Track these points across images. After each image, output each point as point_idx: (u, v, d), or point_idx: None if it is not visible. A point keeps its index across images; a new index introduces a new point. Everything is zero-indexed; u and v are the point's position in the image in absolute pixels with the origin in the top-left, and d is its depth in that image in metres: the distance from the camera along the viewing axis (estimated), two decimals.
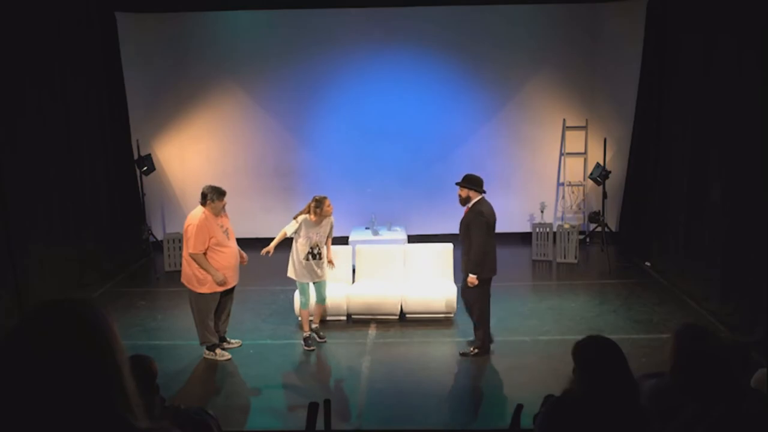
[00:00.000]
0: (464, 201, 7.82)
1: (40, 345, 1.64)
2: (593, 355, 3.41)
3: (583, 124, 13.39)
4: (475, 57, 13.19)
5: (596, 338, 3.53)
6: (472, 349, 8.06)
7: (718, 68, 9.15)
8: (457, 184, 7.88)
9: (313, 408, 4.28)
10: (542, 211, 12.58)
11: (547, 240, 12.39)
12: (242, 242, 13.37)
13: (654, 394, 3.51)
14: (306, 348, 8.34)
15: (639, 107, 12.13)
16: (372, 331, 8.89)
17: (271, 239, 13.41)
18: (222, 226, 7.95)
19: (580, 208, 13.64)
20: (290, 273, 8.49)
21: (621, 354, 3.41)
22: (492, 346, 8.19)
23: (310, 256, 8.33)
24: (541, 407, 3.98)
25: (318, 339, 8.58)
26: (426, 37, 13.09)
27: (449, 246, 9.74)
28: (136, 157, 12.60)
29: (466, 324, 8.92)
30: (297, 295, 8.74)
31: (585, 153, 13.47)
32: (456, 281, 9.53)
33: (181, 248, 12.05)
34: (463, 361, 7.95)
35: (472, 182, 7.80)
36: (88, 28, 11.60)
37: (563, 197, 13.61)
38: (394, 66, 13.20)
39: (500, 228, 13.36)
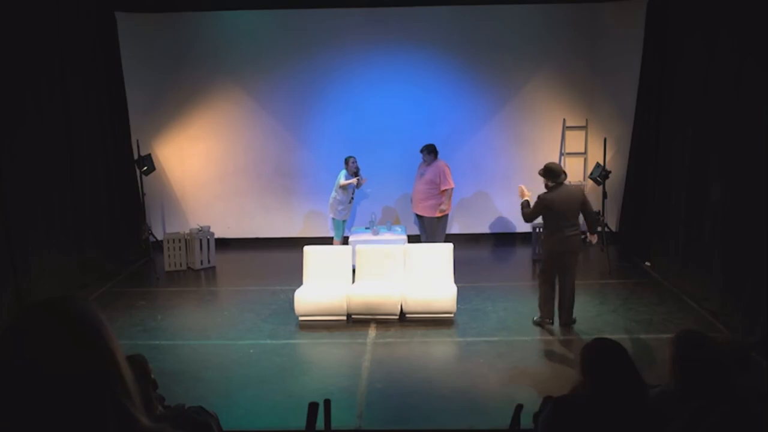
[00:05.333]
0: (547, 188, 8.52)
1: (35, 344, 1.66)
2: (599, 357, 3.44)
3: (583, 124, 13.40)
4: (474, 57, 13.18)
5: (602, 340, 3.56)
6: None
7: (719, 68, 9.13)
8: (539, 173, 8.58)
9: (313, 408, 4.27)
10: None
11: None
12: (242, 242, 13.62)
13: (657, 402, 3.54)
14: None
15: (639, 107, 12.11)
16: (372, 331, 8.88)
17: (272, 239, 13.54)
18: None
19: None
20: (332, 213, 11.70)
21: (627, 355, 3.43)
22: (491, 347, 8.20)
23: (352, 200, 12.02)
24: (541, 407, 3.99)
25: None
26: (426, 37, 13.09)
27: (449, 246, 9.73)
28: (136, 156, 12.58)
29: (466, 324, 8.91)
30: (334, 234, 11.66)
31: (585, 153, 13.49)
32: (456, 281, 9.54)
33: (180, 248, 12.11)
34: (463, 361, 7.95)
35: (546, 173, 8.46)
36: (88, 28, 11.59)
37: None
38: (393, 66, 13.20)
39: (500, 228, 13.63)
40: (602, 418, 3.28)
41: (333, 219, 11.97)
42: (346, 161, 11.85)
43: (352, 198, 11.95)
